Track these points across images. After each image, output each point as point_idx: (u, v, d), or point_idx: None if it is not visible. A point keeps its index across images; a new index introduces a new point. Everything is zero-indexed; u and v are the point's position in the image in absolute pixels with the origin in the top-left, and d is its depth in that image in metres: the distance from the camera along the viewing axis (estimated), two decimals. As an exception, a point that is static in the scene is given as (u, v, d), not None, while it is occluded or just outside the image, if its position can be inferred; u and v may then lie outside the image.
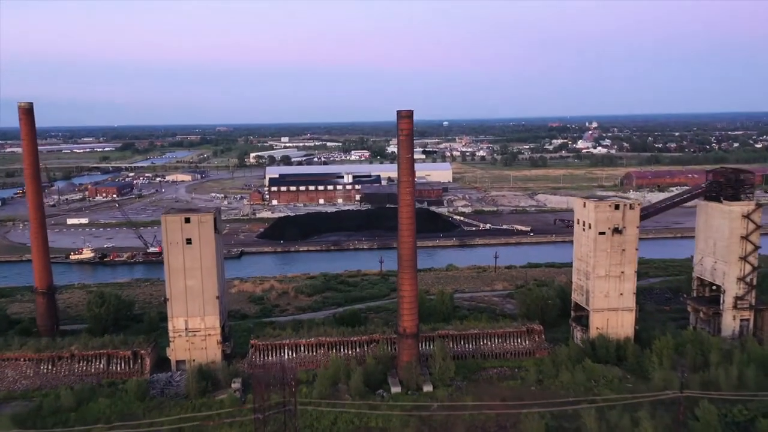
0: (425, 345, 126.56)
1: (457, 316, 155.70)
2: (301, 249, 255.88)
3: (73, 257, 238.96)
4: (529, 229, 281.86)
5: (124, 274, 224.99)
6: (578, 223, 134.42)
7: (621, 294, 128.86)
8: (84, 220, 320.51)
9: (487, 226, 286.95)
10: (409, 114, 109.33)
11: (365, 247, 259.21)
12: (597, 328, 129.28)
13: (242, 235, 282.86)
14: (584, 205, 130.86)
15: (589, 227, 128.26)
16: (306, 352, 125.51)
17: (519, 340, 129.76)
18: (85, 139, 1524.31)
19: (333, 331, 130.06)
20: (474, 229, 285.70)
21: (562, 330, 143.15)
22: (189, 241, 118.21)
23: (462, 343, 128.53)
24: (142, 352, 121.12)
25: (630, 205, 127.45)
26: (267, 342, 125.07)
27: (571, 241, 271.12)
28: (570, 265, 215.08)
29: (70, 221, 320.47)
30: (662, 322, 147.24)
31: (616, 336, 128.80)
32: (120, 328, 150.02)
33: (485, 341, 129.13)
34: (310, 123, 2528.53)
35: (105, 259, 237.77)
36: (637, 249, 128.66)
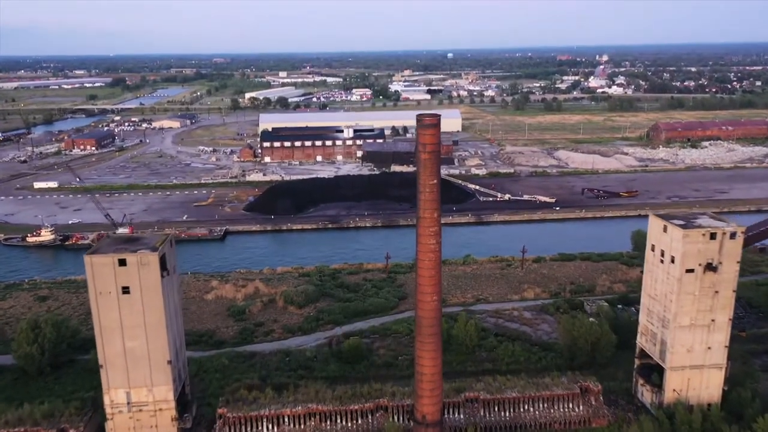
0: (447, 411, 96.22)
1: (484, 346, 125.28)
2: (294, 227, 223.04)
3: (30, 239, 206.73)
4: (553, 200, 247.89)
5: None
6: (652, 250, 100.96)
7: (709, 348, 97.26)
8: (53, 184, 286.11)
9: (506, 196, 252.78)
10: (435, 122, 73.82)
11: (368, 225, 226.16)
12: (674, 390, 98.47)
13: (228, 206, 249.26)
14: (665, 229, 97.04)
15: (672, 261, 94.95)
16: (291, 425, 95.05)
17: (570, 405, 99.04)
18: (76, 71, 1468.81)
19: (327, 394, 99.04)
20: (491, 200, 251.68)
21: (618, 374, 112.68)
22: (126, 290, 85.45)
23: (496, 410, 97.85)
24: (72, 431, 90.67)
25: (731, 233, 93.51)
26: (239, 414, 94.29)
27: (602, 218, 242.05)
28: (609, 259, 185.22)
29: (37, 185, 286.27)
30: (742, 359, 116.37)
31: (698, 400, 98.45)
32: (60, 366, 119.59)
33: (526, 407, 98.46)
34: (310, 53, 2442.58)
35: (67, 243, 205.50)
36: (734, 290, 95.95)
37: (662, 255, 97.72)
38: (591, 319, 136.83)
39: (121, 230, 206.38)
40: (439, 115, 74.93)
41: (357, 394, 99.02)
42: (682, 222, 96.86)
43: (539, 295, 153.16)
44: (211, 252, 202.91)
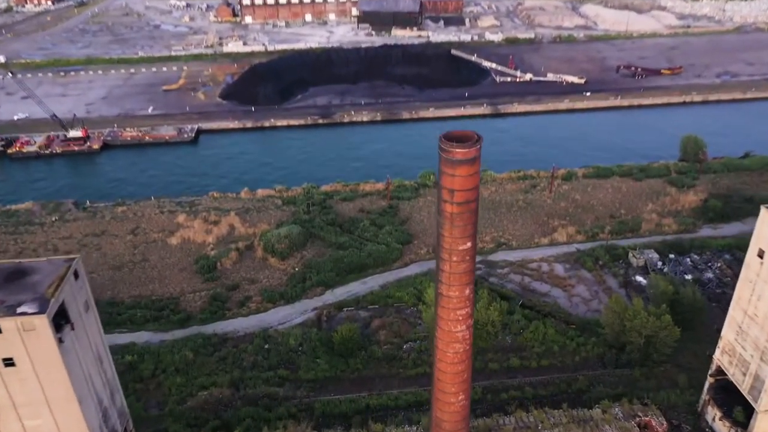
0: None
1: (509, 327, 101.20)
2: (278, 124, 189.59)
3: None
4: (583, 80, 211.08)
5: (36, 178, 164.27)
6: (760, 256, 72.08)
7: (819, 388, 72.73)
8: (0, 59, 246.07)
9: (527, 76, 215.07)
10: (471, 155, 41.72)
11: (365, 119, 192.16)
12: (763, 433, 75.81)
13: (202, 91, 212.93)
14: (786, 234, 67.62)
15: (792, 282, 67.01)
16: (266, 487, 73.72)
17: (626, 450, 76.95)
18: None
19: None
20: (510, 80, 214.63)
21: (679, 377, 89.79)
22: (9, 362, 58.86)
23: (531, 458, 76.01)
24: None
25: None
26: (197, 481, 72.50)
27: (640, 106, 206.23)
28: (654, 175, 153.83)
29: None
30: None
31: (792, 443, 76.13)
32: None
33: (570, 452, 76.43)
34: None
35: (9, 150, 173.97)
36: None
37: (775, 267, 69.40)
38: (638, 278, 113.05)
39: (72, 133, 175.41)
40: (480, 140, 42.55)
41: (352, 443, 76.58)
42: (815, 227, 66.95)
43: (573, 237, 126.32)
44: (181, 158, 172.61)
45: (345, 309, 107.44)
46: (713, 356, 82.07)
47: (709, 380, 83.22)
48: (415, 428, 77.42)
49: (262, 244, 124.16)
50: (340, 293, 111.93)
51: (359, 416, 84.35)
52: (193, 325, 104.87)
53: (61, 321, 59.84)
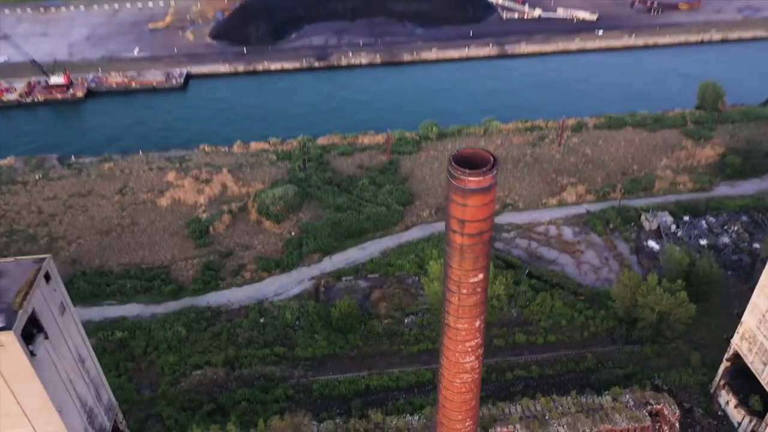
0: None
1: (515, 299, 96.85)
2: (271, 67, 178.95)
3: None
4: (595, 16, 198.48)
5: (18, 129, 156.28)
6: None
7: None
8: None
9: (536, 12, 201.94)
10: (487, 183, 35.15)
11: (363, 62, 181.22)
12: (780, 424, 72.58)
13: (190, 30, 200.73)
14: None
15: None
16: (263, 481, 71.15)
17: (636, 440, 73.99)
18: None
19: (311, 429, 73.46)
20: (517, 17, 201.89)
21: (691, 356, 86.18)
22: (-21, 376, 54.42)
23: (537, 451, 73.01)
24: None
25: None
26: (190, 477, 69.79)
27: (656, 45, 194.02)
28: (669, 125, 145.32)
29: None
30: None
31: (809, 432, 73.12)
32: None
33: (578, 443, 73.40)
34: None
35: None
36: None
37: (810, 261, 63.91)
38: (651, 243, 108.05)
39: (54, 79, 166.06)
40: (495, 164, 35.71)
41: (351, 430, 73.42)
42: None
43: (582, 197, 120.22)
44: (170, 107, 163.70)
45: (344, 278, 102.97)
46: (731, 340, 77.96)
47: (725, 364, 79.44)
48: (417, 417, 74.09)
49: (256, 205, 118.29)
50: (338, 260, 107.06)
51: (359, 399, 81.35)
52: (186, 297, 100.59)
53: (32, 331, 55.05)
